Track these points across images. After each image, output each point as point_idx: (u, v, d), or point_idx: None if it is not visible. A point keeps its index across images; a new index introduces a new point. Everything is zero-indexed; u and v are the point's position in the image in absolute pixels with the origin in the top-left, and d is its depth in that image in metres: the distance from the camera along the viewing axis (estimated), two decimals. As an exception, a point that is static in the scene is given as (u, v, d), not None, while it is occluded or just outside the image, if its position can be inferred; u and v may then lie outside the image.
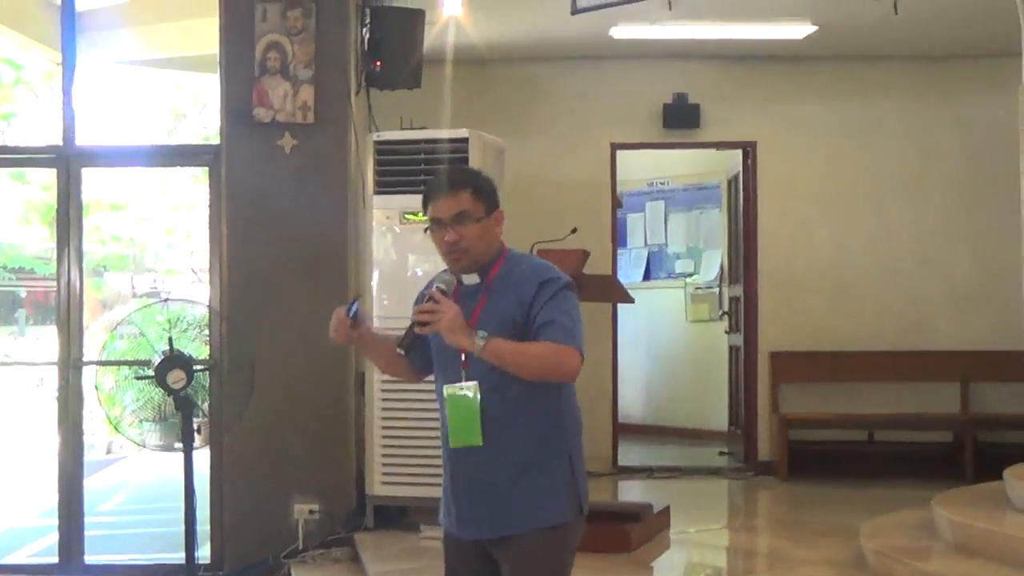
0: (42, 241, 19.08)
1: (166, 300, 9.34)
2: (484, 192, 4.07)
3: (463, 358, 3.97)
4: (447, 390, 4.02)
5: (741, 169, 11.21)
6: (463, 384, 3.99)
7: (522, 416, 3.97)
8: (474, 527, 4.06)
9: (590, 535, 7.47)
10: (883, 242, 10.81)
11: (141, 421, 7.47)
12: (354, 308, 4.08)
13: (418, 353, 4.16)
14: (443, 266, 4.13)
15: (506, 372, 3.88)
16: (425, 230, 4.10)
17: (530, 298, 3.94)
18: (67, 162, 8.68)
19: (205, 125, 17.43)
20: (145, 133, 17.69)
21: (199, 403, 6.84)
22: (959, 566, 6.47)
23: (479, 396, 3.97)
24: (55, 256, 8.86)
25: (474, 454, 4.00)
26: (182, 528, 6.46)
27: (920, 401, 10.55)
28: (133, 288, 20.50)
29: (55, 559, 8.70)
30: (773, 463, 10.56)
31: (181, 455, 6.47)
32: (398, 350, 4.02)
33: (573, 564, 4.08)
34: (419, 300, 4.08)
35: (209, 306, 8.50)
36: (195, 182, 19.22)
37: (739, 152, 11.22)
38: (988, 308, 10.50)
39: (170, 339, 6.59)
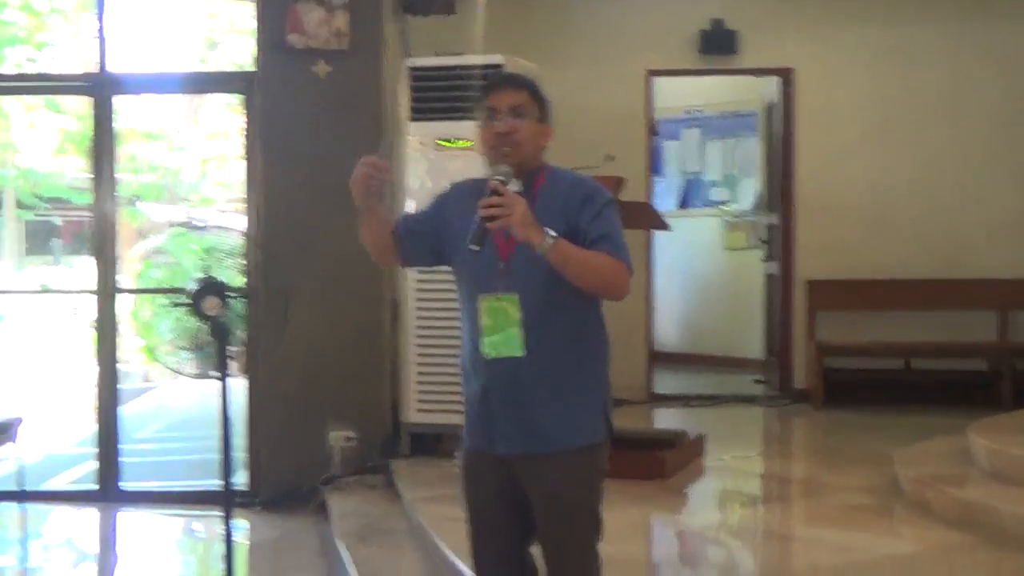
0: (77, 171, 19.11)
1: (201, 227, 9.35)
2: (541, 100, 4.04)
3: (501, 266, 3.92)
4: (483, 299, 3.93)
5: (779, 96, 11.11)
6: (502, 294, 3.92)
7: (560, 333, 3.92)
8: (505, 442, 3.98)
9: (625, 462, 7.54)
10: (921, 169, 10.70)
11: (178, 349, 7.45)
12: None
13: (414, 243, 4.14)
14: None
15: (545, 287, 3.85)
16: (481, 123, 3.99)
17: (576, 211, 3.89)
18: (100, 89, 8.67)
19: (239, 53, 17.36)
20: (179, 61, 17.62)
21: (235, 331, 6.84)
22: (995, 493, 6.46)
23: (519, 306, 3.90)
24: (90, 186, 8.87)
25: (510, 368, 3.92)
26: (218, 455, 6.49)
27: (957, 329, 10.49)
28: (169, 217, 20.53)
29: (94, 486, 8.79)
30: (809, 391, 10.53)
31: (217, 383, 6.48)
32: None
33: (604, 487, 4.04)
34: (461, 196, 4.05)
35: (245, 234, 8.50)
36: (229, 111, 19.19)
37: (777, 79, 11.12)
38: (1027, 236, 10.42)
39: (206, 266, 6.59)
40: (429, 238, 4.10)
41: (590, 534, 4.02)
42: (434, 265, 4.24)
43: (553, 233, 3.73)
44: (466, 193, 4.04)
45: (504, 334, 3.90)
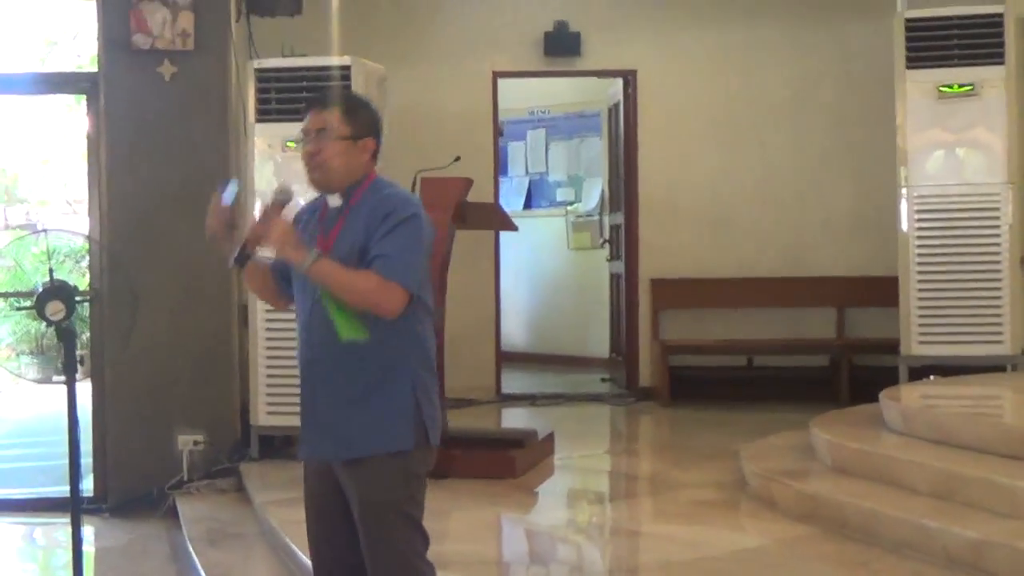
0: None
1: (43, 231, 9.20)
2: (355, 116, 4.09)
3: None
4: (323, 295, 3.96)
5: (622, 97, 11.25)
6: (322, 293, 3.97)
7: (368, 341, 3.95)
8: (319, 447, 4.08)
9: (475, 461, 7.60)
10: (763, 169, 10.92)
11: (19, 355, 7.35)
12: (229, 191, 3.99)
13: (288, 282, 4.17)
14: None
15: None
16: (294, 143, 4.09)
17: (374, 227, 3.95)
18: (-61, 90, 8.49)
19: (79, 53, 17.06)
20: (15, 61, 17.26)
21: (80, 335, 6.75)
22: (837, 486, 6.61)
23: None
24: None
25: (321, 375, 4.03)
26: (64, 462, 6.39)
27: (798, 326, 10.74)
28: (6, 220, 20.11)
29: (-68, 494, 8.60)
30: (654, 389, 10.68)
31: (59, 388, 6.38)
32: (231, 265, 4.00)
33: (421, 494, 4.13)
34: (303, 217, 4.14)
35: (89, 237, 8.38)
36: (69, 110, 18.84)
37: (620, 80, 11.27)
38: (864, 235, 10.68)
39: (50, 270, 6.48)
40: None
41: (406, 542, 4.08)
42: None
43: (315, 253, 3.85)
44: (307, 212, 4.18)
45: (348, 319, 3.95)
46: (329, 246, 3.98)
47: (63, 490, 6.59)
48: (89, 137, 8.73)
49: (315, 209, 4.15)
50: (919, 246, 8.92)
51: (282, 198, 3.98)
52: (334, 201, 4.08)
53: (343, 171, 4.04)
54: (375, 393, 3.98)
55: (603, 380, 11.84)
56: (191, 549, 6.86)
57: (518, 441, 8.18)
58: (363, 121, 4.10)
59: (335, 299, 3.94)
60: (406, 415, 3.99)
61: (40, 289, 6.36)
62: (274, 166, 8.31)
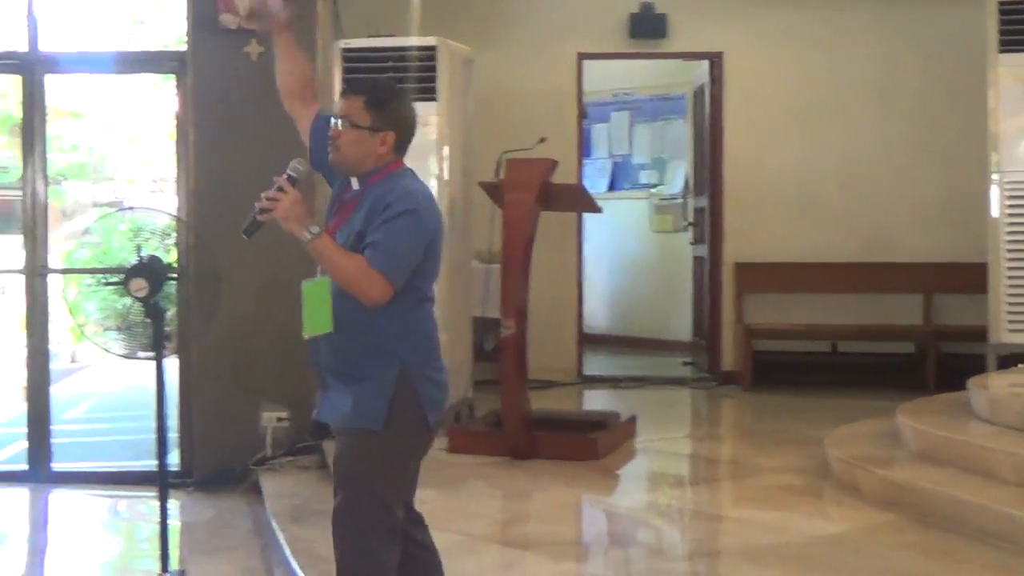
0: (0, 149, 18.86)
1: (130, 209, 9.28)
2: (378, 107, 4.19)
3: None
4: (305, 284, 4.19)
5: (707, 80, 11.19)
6: (318, 278, 4.17)
7: (351, 322, 4.10)
8: (323, 410, 4.36)
9: (558, 443, 7.63)
10: (848, 153, 10.83)
11: (106, 330, 7.41)
12: (291, 174, 4.13)
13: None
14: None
15: None
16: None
17: (375, 217, 4.09)
18: (31, 68, 8.58)
19: (165, 32, 17.19)
20: (105, 40, 17.42)
21: (167, 311, 6.80)
22: (923, 473, 6.56)
23: (329, 289, 4.13)
24: (15, 165, 8.79)
25: (323, 348, 4.21)
26: (149, 436, 6.46)
27: (883, 312, 10.63)
28: (94, 197, 20.32)
29: (23, 466, 8.73)
30: (737, 373, 10.64)
31: (146, 364, 6.45)
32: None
33: (395, 473, 4.21)
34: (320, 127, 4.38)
35: (176, 215, 8.44)
36: (155, 90, 18.99)
37: (705, 63, 11.20)
38: (951, 220, 10.55)
39: (138, 247, 6.55)
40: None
41: (362, 516, 4.15)
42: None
43: (315, 230, 4.01)
44: (338, 188, 4.38)
45: (317, 312, 4.14)
46: (338, 226, 4.20)
47: (148, 464, 6.68)
48: (177, 116, 8.81)
49: (344, 186, 4.32)
50: (1009, 232, 8.78)
51: (296, 173, 4.13)
52: (355, 184, 4.25)
53: (355, 159, 4.19)
54: (360, 372, 4.14)
55: (685, 364, 11.80)
56: (274, 524, 6.91)
57: (600, 423, 8.19)
58: (386, 114, 4.20)
59: (310, 294, 4.15)
60: (381, 397, 4.11)
61: (131, 266, 6.44)
62: (359, 145, 8.33)
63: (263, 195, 4.11)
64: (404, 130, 4.25)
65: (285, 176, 4.10)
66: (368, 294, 4.02)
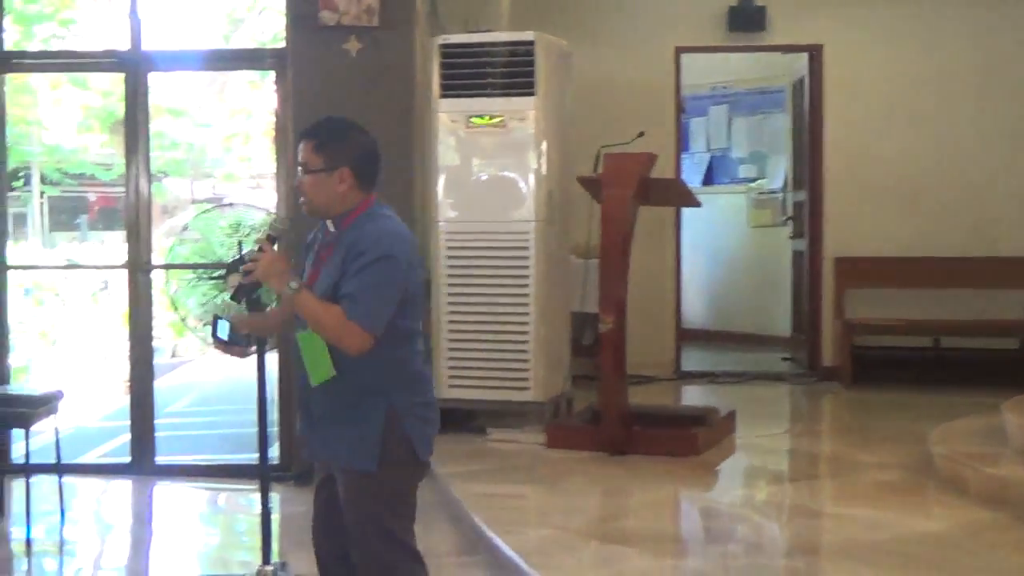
0: (101, 147, 19.13)
1: (229, 205, 9.34)
2: (327, 147, 4.26)
3: None
4: (299, 333, 4.28)
5: (807, 73, 11.09)
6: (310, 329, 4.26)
7: (345, 363, 4.18)
8: (317, 451, 4.46)
9: (657, 439, 7.60)
10: (951, 145, 10.67)
11: (206, 324, 7.47)
12: (271, 234, 4.50)
13: None
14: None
15: None
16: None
17: (348, 263, 4.17)
18: (135, 67, 8.68)
19: (263, 30, 17.35)
20: (203, 39, 17.63)
21: (269, 306, 6.85)
22: (1029, 471, 6.48)
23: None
24: (118, 162, 8.91)
25: (312, 390, 4.31)
26: (250, 430, 6.52)
27: (987, 307, 10.46)
28: (193, 194, 20.57)
29: (127, 459, 8.84)
30: (837, 369, 10.53)
31: (251, 358, 6.50)
32: (230, 300, 4.52)
33: (403, 508, 4.36)
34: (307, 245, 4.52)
35: (274, 212, 8.50)
36: (252, 88, 19.18)
37: (805, 56, 11.10)
38: (1055, 214, 10.38)
39: (239, 243, 6.60)
40: None
41: (387, 554, 4.32)
42: None
43: (294, 285, 4.15)
44: (316, 233, 4.51)
45: (317, 360, 4.25)
46: (317, 272, 4.31)
47: (247, 457, 6.73)
48: (276, 113, 8.87)
49: (321, 229, 4.42)
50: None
51: (275, 232, 4.45)
52: (331, 226, 4.34)
53: (322, 203, 4.27)
54: (350, 414, 4.25)
55: (784, 359, 11.70)
56: (373, 519, 6.95)
57: (699, 419, 8.16)
58: (335, 153, 4.26)
59: (306, 344, 4.26)
60: (372, 438, 4.21)
61: (228, 261, 6.48)
62: (457, 141, 8.36)
63: (246, 257, 4.34)
64: (360, 164, 4.29)
65: (266, 236, 4.36)
66: (347, 343, 4.11)
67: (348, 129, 4.41)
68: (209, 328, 7.07)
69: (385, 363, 4.22)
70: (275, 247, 4.34)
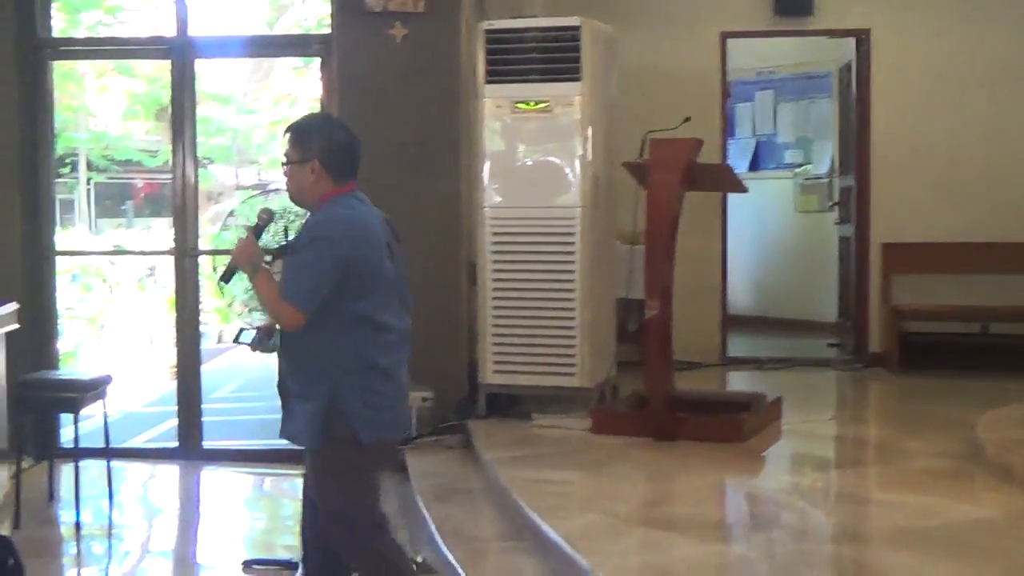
0: (147, 133, 19.25)
1: (274, 191, 9.39)
2: (299, 140, 4.72)
3: None
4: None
5: (854, 57, 11.01)
6: None
7: (298, 346, 4.63)
8: (283, 428, 4.82)
9: (703, 425, 7.58)
10: (999, 131, 10.56)
11: (251, 311, 7.56)
12: (255, 222, 4.92)
13: None
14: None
15: None
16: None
17: (296, 246, 4.65)
18: (182, 53, 8.72)
19: (307, 16, 17.41)
20: (248, 25, 17.69)
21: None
22: (1079, 458, 6.42)
23: None
24: (164, 148, 8.95)
25: (282, 372, 4.80)
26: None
27: (1036, 293, 10.38)
28: (238, 180, 20.66)
29: (174, 443, 8.90)
30: (884, 355, 10.47)
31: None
32: (221, 281, 4.91)
33: (355, 488, 4.70)
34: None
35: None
36: (296, 74, 19.24)
37: (852, 40, 11.02)
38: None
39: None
40: None
41: (344, 532, 4.72)
42: None
43: (251, 269, 4.61)
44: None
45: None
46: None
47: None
48: (321, 100, 8.89)
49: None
50: None
51: (261, 221, 4.83)
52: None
53: (297, 192, 4.74)
54: (304, 394, 4.64)
55: (830, 345, 11.64)
56: (420, 503, 6.97)
57: (746, 405, 8.13)
58: (306, 145, 4.70)
59: None
60: (316, 417, 4.58)
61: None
62: (503, 126, 8.35)
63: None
64: (329, 156, 4.70)
65: (255, 223, 4.83)
66: (282, 321, 4.57)
67: (322, 125, 4.94)
68: (255, 315, 7.15)
69: (332, 348, 4.57)
70: (262, 235, 4.82)
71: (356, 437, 4.58)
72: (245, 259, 4.62)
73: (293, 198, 4.77)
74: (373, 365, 4.65)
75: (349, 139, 4.82)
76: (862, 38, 10.79)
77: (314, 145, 4.69)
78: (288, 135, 4.75)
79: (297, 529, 6.29)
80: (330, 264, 4.51)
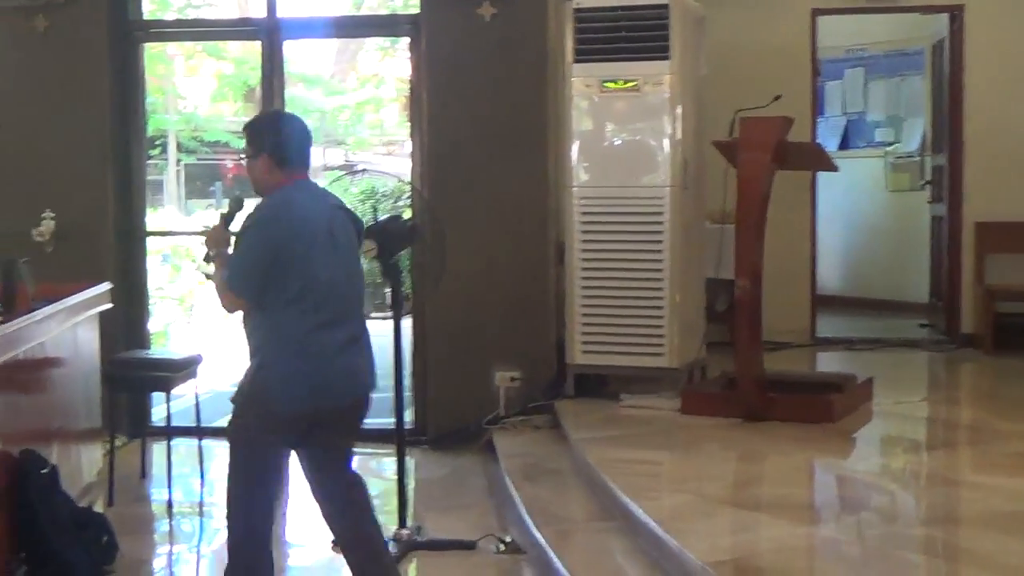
0: (235, 115, 19.38)
1: (363, 171, 9.43)
2: (251, 136, 5.04)
3: None
4: None
5: (947, 34, 10.85)
6: None
7: (245, 326, 4.95)
8: None
9: (793, 405, 7.52)
10: (1095, 109, 10.39)
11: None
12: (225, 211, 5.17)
13: None
14: None
15: None
16: None
17: None
18: (270, 34, 8.77)
19: (393, -2, 17.46)
20: (334, 6, 17.77)
21: (404, 272, 6.91)
22: None
23: None
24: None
25: None
26: (385, 395, 6.57)
27: None
28: (325, 161, 20.76)
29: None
30: (977, 336, 10.33)
31: (381, 323, 6.56)
32: (204, 261, 5.10)
33: (254, 459, 4.92)
34: None
35: (402, 178, 8.54)
36: (383, 55, 19.29)
37: (945, 16, 10.86)
38: None
39: (374, 208, 6.66)
40: None
41: (230, 475, 4.98)
42: None
43: (212, 254, 4.98)
44: None
45: None
46: None
47: (382, 422, 6.79)
48: (411, 79, 8.91)
49: None
50: None
51: (231, 209, 5.12)
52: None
53: (255, 184, 5.01)
54: (250, 368, 4.91)
55: (921, 326, 11.50)
56: (508, 483, 6.99)
57: (836, 385, 8.05)
58: (257, 141, 5.00)
59: None
60: (243, 387, 4.89)
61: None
62: (591, 106, 8.31)
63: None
64: (277, 150, 4.94)
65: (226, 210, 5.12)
66: (224, 304, 4.93)
67: (271, 121, 5.48)
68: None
69: (265, 327, 4.85)
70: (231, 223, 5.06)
71: (269, 409, 4.81)
72: (212, 244, 4.99)
73: (254, 189, 5.01)
74: (298, 339, 4.84)
75: (296, 133, 5.06)
76: (956, 14, 10.63)
77: (263, 140, 4.97)
78: (244, 132, 5.12)
79: (388, 507, 6.34)
80: (260, 250, 4.79)
